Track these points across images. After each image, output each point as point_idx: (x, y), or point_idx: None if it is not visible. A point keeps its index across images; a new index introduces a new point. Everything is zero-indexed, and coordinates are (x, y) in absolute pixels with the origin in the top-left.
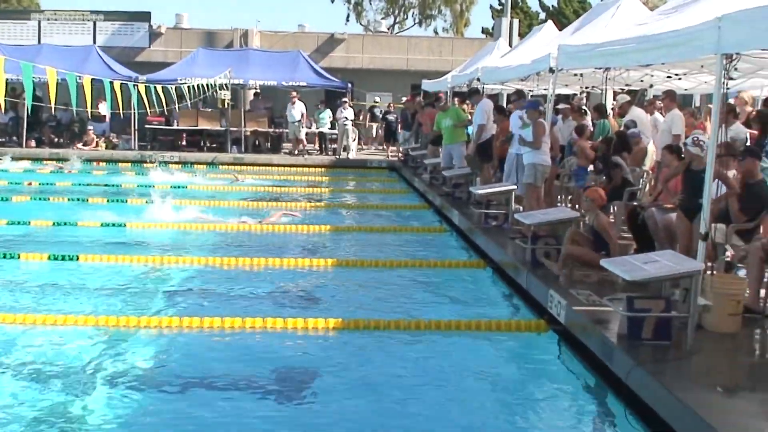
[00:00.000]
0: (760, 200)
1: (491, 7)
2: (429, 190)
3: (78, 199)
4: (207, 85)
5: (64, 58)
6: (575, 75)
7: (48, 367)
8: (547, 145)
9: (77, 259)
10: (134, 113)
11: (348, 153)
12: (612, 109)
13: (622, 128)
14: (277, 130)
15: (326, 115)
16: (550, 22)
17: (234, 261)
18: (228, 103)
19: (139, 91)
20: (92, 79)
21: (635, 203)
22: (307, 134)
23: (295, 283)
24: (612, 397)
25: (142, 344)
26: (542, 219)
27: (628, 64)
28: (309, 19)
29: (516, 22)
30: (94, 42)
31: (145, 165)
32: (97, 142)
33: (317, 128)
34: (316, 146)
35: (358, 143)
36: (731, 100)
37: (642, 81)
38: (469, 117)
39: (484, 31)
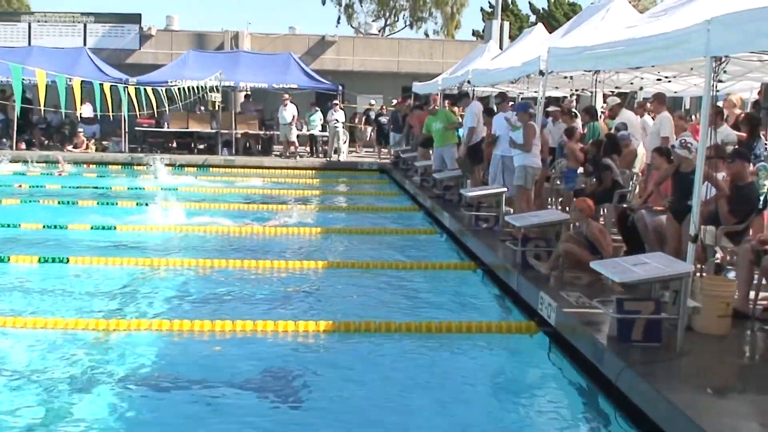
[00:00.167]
0: (749, 202)
1: (482, 9)
2: (420, 192)
3: (68, 202)
4: (198, 87)
5: (55, 60)
6: (565, 77)
7: (37, 371)
8: (537, 148)
9: (67, 261)
10: (124, 115)
11: (339, 155)
12: (602, 111)
13: (612, 131)
14: (268, 133)
15: (317, 117)
16: (540, 25)
17: (225, 263)
18: (219, 105)
19: (129, 93)
20: (82, 81)
21: (625, 205)
22: (298, 136)
23: (286, 285)
24: (602, 398)
25: (133, 347)
26: (532, 221)
27: (618, 67)
28: (300, 22)
29: (506, 24)
30: (85, 44)
31: (135, 167)
32: (87, 144)
33: (308, 130)
34: (307, 148)
35: (350, 146)
36: (720, 103)
37: (632, 83)
38: (460, 120)
39: (474, 33)
